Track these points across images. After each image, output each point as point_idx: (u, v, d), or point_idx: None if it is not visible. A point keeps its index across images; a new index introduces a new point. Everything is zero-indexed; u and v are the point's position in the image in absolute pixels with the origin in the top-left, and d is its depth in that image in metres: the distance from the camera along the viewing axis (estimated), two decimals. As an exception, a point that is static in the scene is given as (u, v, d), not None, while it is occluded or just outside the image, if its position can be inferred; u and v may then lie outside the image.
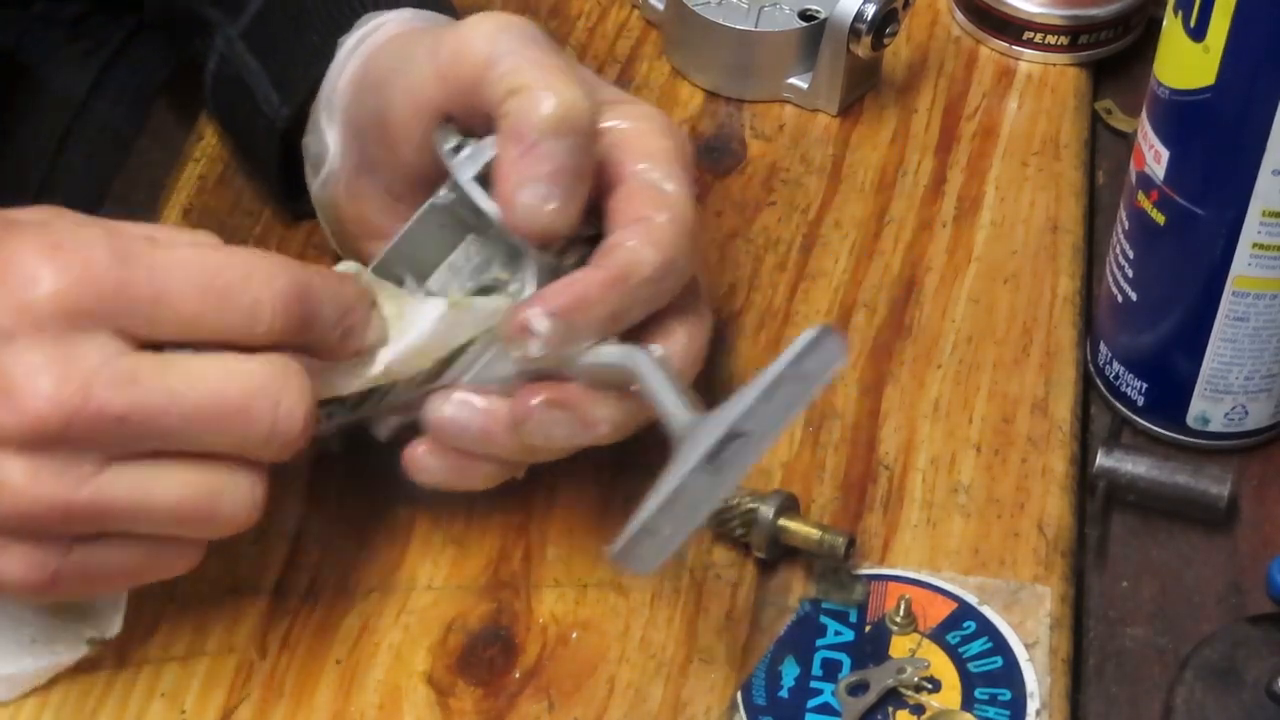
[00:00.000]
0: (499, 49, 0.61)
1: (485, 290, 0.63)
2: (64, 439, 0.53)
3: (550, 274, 0.62)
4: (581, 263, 0.62)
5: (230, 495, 0.56)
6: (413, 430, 0.63)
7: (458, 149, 0.63)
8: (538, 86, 0.59)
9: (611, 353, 0.60)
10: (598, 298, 0.60)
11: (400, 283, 0.64)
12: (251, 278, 0.56)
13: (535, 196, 0.59)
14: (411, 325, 0.61)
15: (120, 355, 0.54)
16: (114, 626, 0.61)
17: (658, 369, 0.59)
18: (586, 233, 0.62)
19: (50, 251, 0.54)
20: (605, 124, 0.63)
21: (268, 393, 0.55)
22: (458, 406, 0.62)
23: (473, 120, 0.62)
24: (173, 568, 0.58)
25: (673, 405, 0.58)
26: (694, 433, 0.56)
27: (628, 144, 0.63)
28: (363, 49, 0.67)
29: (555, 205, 0.59)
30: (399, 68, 0.64)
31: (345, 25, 0.69)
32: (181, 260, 0.55)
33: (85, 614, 0.61)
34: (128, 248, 0.55)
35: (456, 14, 0.71)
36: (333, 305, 0.58)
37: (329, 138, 0.68)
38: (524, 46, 0.61)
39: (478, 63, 0.61)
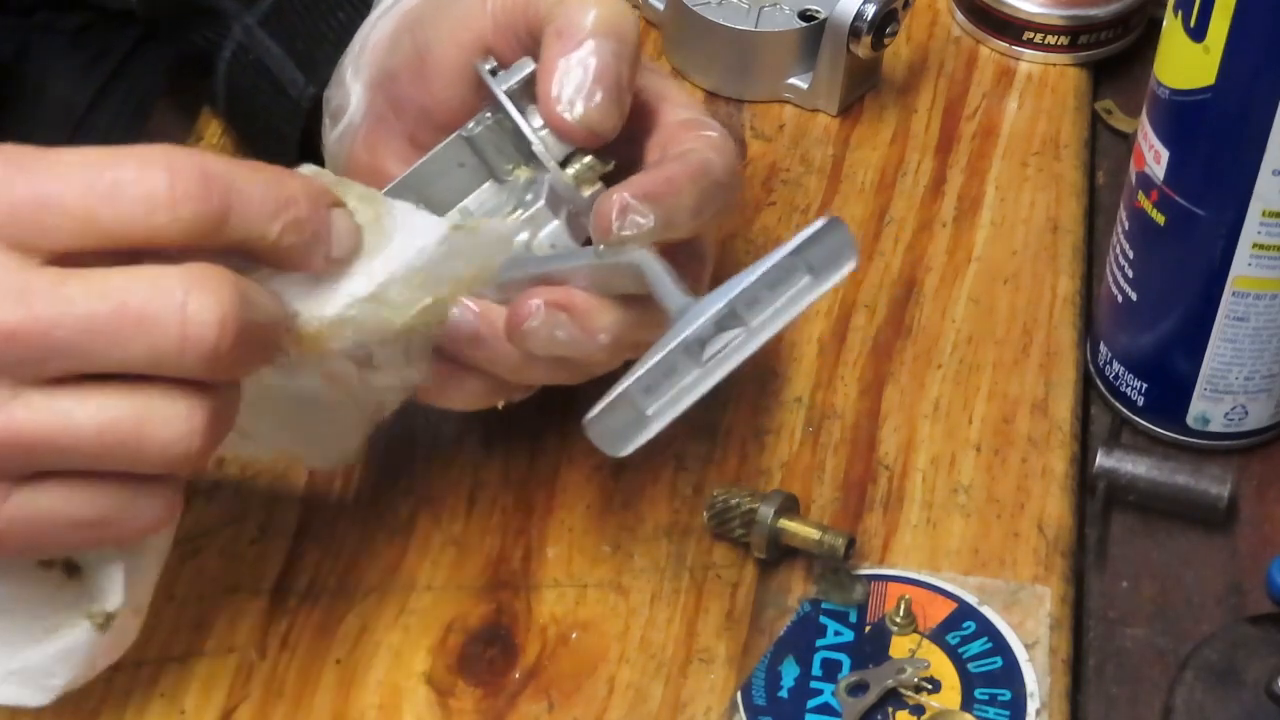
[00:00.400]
0: None
1: None
2: None
3: (568, 210, 0.62)
4: (598, 180, 0.61)
5: (160, 419, 0.51)
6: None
7: (494, 72, 0.63)
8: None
9: (619, 249, 0.58)
10: (685, 187, 0.59)
11: None
12: (148, 165, 0.51)
13: (580, 92, 0.59)
14: (406, 243, 0.57)
15: (14, 271, 0.50)
16: (113, 597, 0.57)
17: (664, 266, 0.57)
18: (605, 169, 0.62)
19: None
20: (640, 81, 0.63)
21: (170, 293, 0.50)
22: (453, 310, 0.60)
23: (514, 57, 0.62)
24: (133, 516, 0.54)
25: (674, 293, 0.56)
26: (689, 311, 0.54)
27: (664, 94, 0.64)
28: (396, 10, 0.67)
29: (599, 100, 0.59)
30: (443, 5, 0.64)
31: (365, 7, 0.69)
32: (68, 160, 0.51)
33: (80, 590, 0.57)
34: (10, 158, 0.51)
35: None
36: (263, 195, 0.53)
37: (353, 89, 0.68)
38: None
39: None
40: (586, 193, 0.61)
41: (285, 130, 0.73)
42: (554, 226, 0.62)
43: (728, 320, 0.53)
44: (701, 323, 0.53)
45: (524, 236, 0.62)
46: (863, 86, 0.84)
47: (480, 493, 0.68)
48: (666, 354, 0.53)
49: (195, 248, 0.51)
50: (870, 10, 0.80)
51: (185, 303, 0.50)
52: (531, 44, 0.62)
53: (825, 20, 0.81)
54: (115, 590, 0.57)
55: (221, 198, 0.51)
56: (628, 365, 0.54)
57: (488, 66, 0.63)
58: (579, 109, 0.60)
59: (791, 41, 0.83)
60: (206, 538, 0.66)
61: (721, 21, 0.83)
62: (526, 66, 0.62)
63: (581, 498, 0.68)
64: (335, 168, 0.69)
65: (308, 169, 0.58)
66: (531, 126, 0.62)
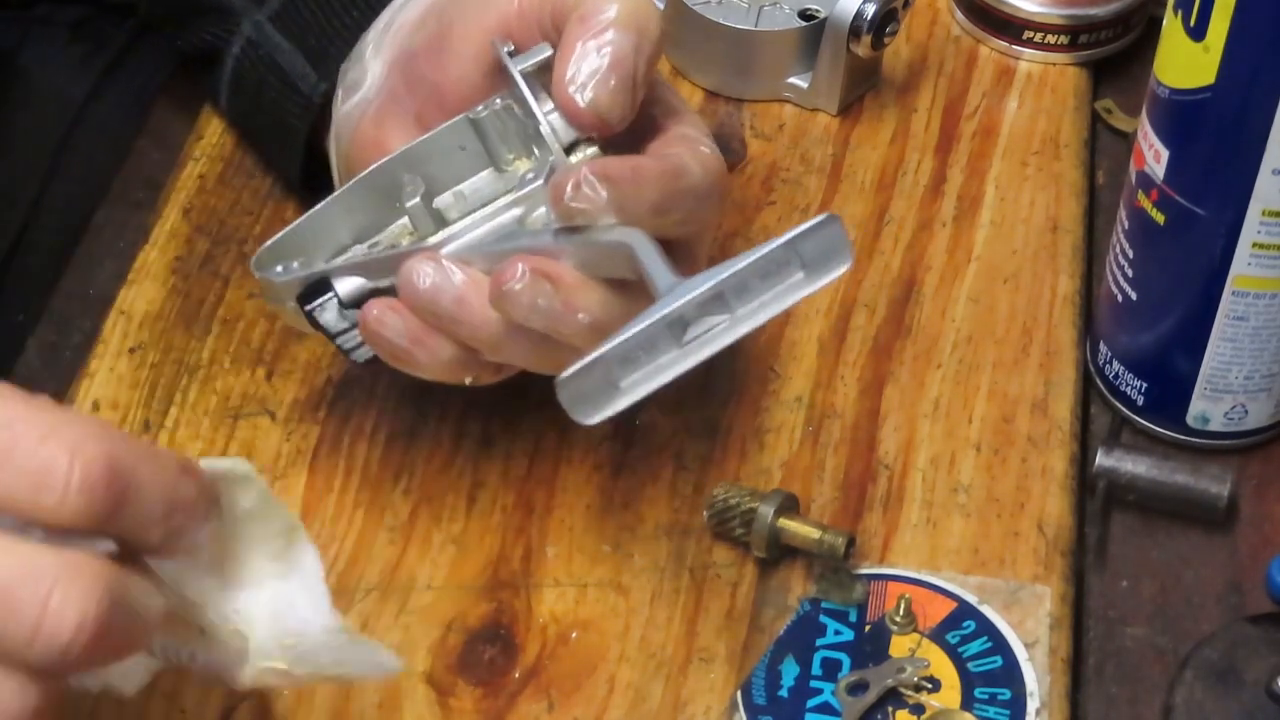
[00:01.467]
0: None
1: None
2: None
3: None
4: None
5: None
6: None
7: (511, 54, 0.64)
8: None
9: (612, 230, 0.59)
10: (651, 180, 0.59)
11: (399, 182, 0.64)
12: (49, 439, 0.46)
13: (594, 76, 0.60)
14: (296, 598, 0.53)
15: None
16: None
17: (656, 248, 0.57)
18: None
19: None
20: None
21: (38, 580, 0.45)
22: (437, 270, 0.60)
23: (534, 43, 0.63)
24: None
25: (663, 272, 0.55)
26: (676, 289, 0.54)
27: (675, 111, 0.64)
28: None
29: (611, 87, 0.60)
30: None
31: (379, 4, 0.70)
32: None
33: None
34: None
35: None
36: (158, 497, 0.48)
37: (372, 66, 0.68)
38: None
39: None
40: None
41: (294, 125, 0.73)
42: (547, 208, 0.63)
43: (714, 305, 0.53)
44: (686, 300, 0.53)
45: (518, 212, 0.62)
46: (863, 86, 0.84)
47: (480, 492, 0.68)
48: (648, 326, 0.52)
49: (70, 530, 0.47)
50: (870, 10, 0.80)
51: (51, 592, 0.45)
52: (554, 35, 0.63)
53: (825, 20, 0.81)
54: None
55: (119, 495, 0.47)
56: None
57: (506, 49, 0.64)
58: (590, 93, 0.60)
59: (791, 41, 0.83)
60: (206, 537, 0.66)
61: (721, 21, 0.83)
62: (544, 51, 0.63)
63: (581, 498, 0.68)
64: (341, 139, 0.69)
65: (234, 465, 0.53)
66: (542, 109, 0.62)
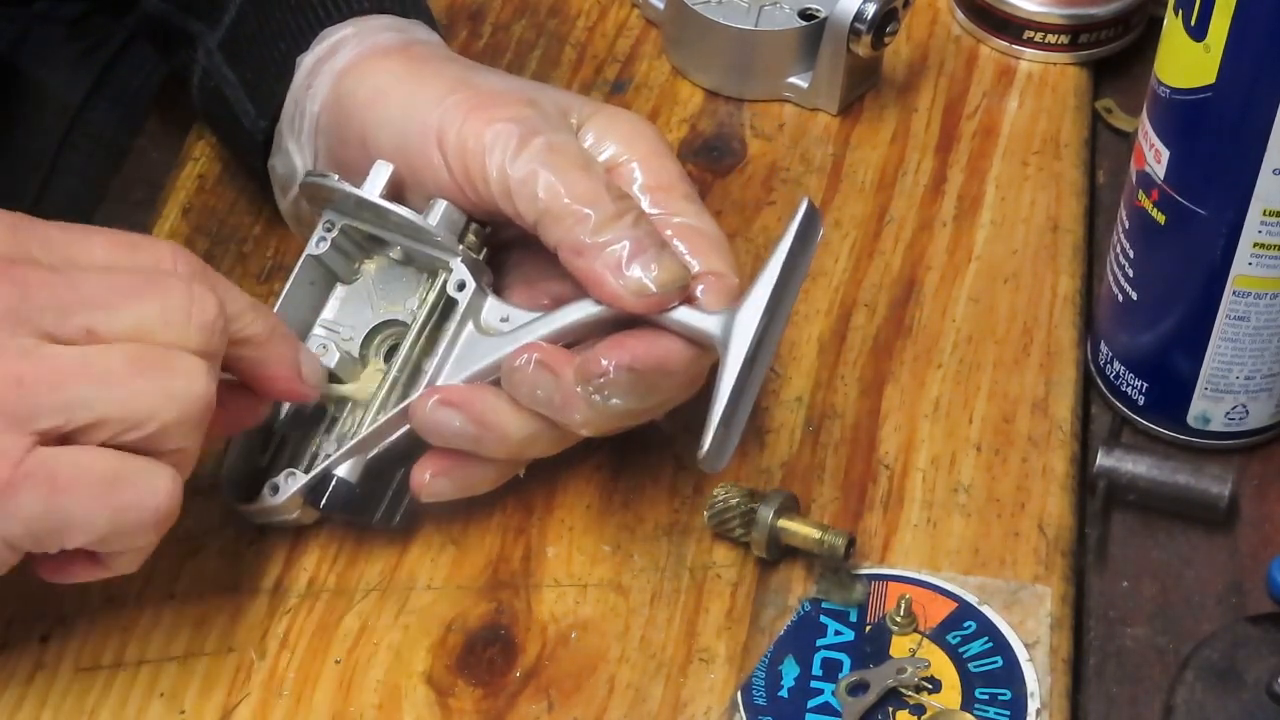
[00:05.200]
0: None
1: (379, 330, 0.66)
2: None
3: (484, 280, 0.64)
4: (484, 244, 0.64)
5: (183, 368, 0.56)
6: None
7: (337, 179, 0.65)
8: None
9: (585, 305, 0.62)
10: (681, 367, 0.61)
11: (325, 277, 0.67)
12: (159, 242, 0.58)
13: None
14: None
15: (41, 257, 0.56)
16: None
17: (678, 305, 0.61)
18: (485, 231, 0.64)
19: None
20: (611, 156, 0.64)
21: (179, 279, 0.57)
22: (448, 413, 0.62)
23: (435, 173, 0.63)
24: (146, 488, 0.56)
25: (703, 319, 0.60)
26: (733, 333, 0.59)
27: (636, 178, 0.64)
28: (326, 73, 0.68)
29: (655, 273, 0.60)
30: (373, 101, 0.65)
31: (309, 37, 0.69)
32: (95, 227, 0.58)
33: None
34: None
35: (418, 6, 0.71)
36: (248, 307, 0.59)
37: (296, 160, 0.68)
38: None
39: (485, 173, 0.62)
40: (479, 257, 0.64)
41: (247, 159, 0.74)
42: (491, 302, 0.64)
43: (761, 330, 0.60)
44: (752, 340, 0.59)
45: (469, 327, 0.63)
46: (863, 85, 0.84)
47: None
48: (738, 375, 0.59)
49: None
50: (870, 9, 0.80)
51: (191, 286, 0.57)
52: (485, 192, 0.62)
53: (825, 19, 0.81)
54: None
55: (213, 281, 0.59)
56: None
57: (334, 178, 0.64)
58: (647, 294, 0.60)
59: (791, 41, 0.83)
60: (206, 537, 0.66)
61: (721, 21, 0.83)
62: (384, 170, 0.64)
63: (581, 498, 0.68)
64: (298, 232, 0.71)
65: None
66: (428, 221, 0.63)
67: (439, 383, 0.62)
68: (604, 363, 0.59)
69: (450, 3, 0.88)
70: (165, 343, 0.56)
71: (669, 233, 0.62)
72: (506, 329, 0.63)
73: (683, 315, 0.60)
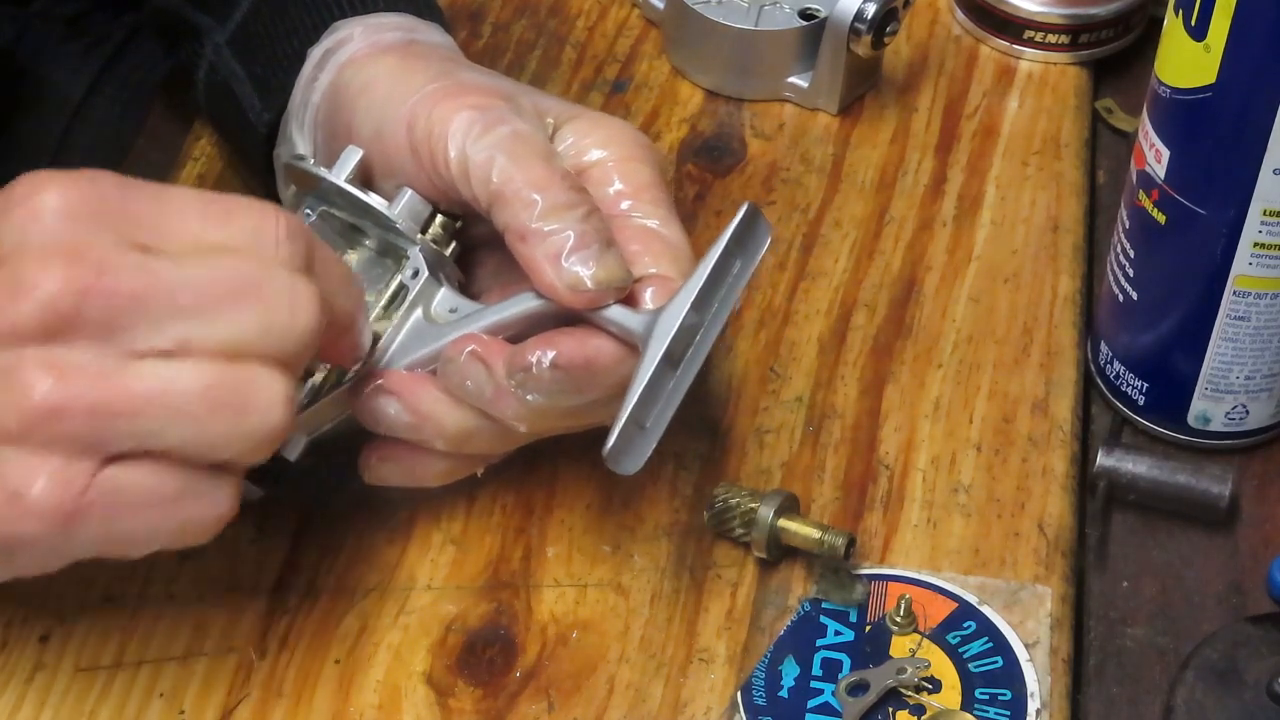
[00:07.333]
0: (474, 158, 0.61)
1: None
2: (79, 320, 0.51)
3: (443, 273, 0.64)
4: (451, 238, 0.64)
5: (262, 383, 0.53)
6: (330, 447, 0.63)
7: (311, 162, 0.65)
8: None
9: (526, 299, 0.62)
10: (609, 367, 0.60)
11: None
12: (254, 204, 0.55)
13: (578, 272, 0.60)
14: None
15: (130, 249, 0.53)
16: None
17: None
18: (455, 225, 0.64)
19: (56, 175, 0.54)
20: (586, 158, 0.63)
21: (281, 278, 0.54)
22: (389, 402, 0.62)
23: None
24: (209, 502, 0.55)
25: (629, 318, 0.59)
26: (654, 326, 0.58)
27: (607, 179, 0.64)
28: (331, 65, 0.67)
29: (593, 269, 0.60)
30: (361, 93, 0.65)
31: (322, 33, 0.69)
32: (184, 189, 0.56)
33: None
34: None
35: (433, 8, 0.71)
36: (343, 282, 0.58)
37: (300, 149, 0.68)
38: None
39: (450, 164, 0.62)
40: (447, 251, 0.64)
41: (252, 155, 0.73)
42: (444, 292, 0.63)
43: (686, 328, 0.58)
44: (672, 336, 0.58)
45: (417, 313, 0.63)
46: (863, 85, 0.84)
47: (480, 492, 0.68)
48: (653, 373, 0.57)
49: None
50: (870, 9, 0.80)
51: (293, 287, 0.54)
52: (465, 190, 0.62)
53: (825, 19, 0.81)
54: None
55: (310, 251, 0.56)
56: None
57: (310, 162, 0.64)
58: (583, 288, 0.60)
59: (791, 40, 0.83)
60: (206, 537, 0.66)
61: (721, 20, 0.83)
62: (354, 153, 0.64)
63: (581, 498, 0.68)
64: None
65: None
66: (391, 210, 0.63)
67: (384, 368, 0.62)
68: (530, 357, 0.59)
69: (450, 3, 0.88)
70: (260, 354, 0.54)
71: (629, 234, 0.62)
72: (453, 319, 0.63)
73: (614, 314, 0.59)
